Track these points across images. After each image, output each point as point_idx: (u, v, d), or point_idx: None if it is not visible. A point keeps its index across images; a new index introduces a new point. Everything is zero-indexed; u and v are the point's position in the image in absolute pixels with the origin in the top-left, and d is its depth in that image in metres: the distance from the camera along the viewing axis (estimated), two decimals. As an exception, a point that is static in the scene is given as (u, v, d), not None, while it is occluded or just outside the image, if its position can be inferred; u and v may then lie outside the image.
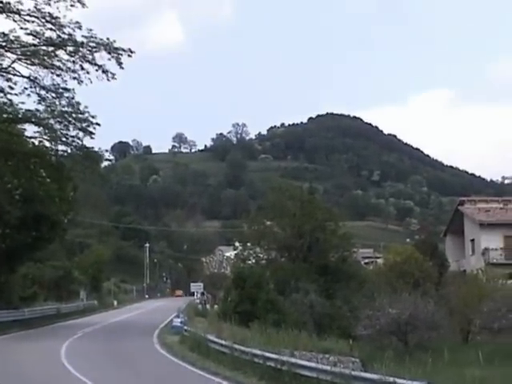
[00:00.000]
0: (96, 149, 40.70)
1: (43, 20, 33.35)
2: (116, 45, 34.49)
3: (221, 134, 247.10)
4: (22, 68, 34.96)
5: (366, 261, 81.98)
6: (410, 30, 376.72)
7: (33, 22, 33.35)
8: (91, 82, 35.29)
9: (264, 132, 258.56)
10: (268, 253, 53.18)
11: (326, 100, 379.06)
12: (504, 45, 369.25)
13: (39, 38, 34.16)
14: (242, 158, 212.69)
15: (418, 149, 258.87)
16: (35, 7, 32.94)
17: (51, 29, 33.74)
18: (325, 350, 24.20)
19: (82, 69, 34.90)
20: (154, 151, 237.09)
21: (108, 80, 35.09)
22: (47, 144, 38.62)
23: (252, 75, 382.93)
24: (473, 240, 56.36)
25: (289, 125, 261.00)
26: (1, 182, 38.51)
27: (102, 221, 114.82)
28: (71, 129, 36.53)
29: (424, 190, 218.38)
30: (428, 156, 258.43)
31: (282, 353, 18.86)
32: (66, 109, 36.20)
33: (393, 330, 32.38)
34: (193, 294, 65.09)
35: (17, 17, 33.26)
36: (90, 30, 34.25)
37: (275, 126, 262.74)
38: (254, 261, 52.11)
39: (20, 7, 33.07)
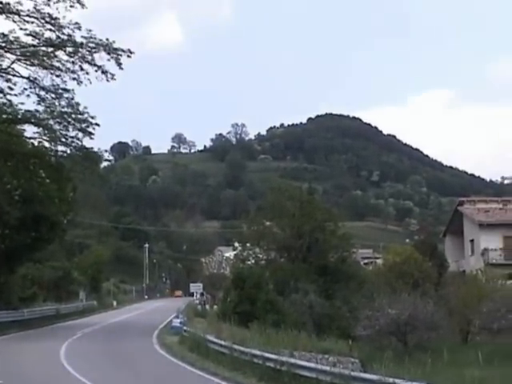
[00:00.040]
0: (95, 149, 40.85)
1: (43, 21, 33.36)
2: (115, 45, 34.56)
3: (220, 134, 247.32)
4: (21, 69, 35.03)
5: (366, 261, 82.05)
6: (409, 30, 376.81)
7: (32, 22, 33.37)
8: (91, 83, 35.38)
9: (263, 132, 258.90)
10: (267, 253, 53.19)
11: (326, 100, 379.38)
12: (504, 45, 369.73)
13: (39, 39, 34.17)
14: (242, 158, 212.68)
15: (417, 149, 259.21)
16: (35, 8, 32.98)
17: (51, 29, 33.76)
18: (324, 351, 24.23)
19: (82, 69, 34.95)
20: (153, 151, 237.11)
21: (107, 81, 35.16)
22: (47, 144, 38.68)
23: (251, 75, 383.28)
24: (472, 240, 56.39)
25: (288, 125, 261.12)
26: (0, 182, 38.49)
27: (101, 221, 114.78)
28: (71, 129, 36.58)
29: (423, 190, 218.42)
30: (427, 156, 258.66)
31: (282, 353, 18.86)
32: (65, 109, 36.23)
33: (392, 331, 32.42)
34: (192, 295, 65.09)
35: (16, 17, 33.27)
36: (90, 30, 34.32)
37: (274, 127, 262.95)
38: (253, 261, 52.12)
39: (19, 8, 33.12)
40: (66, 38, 34.10)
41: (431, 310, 32.20)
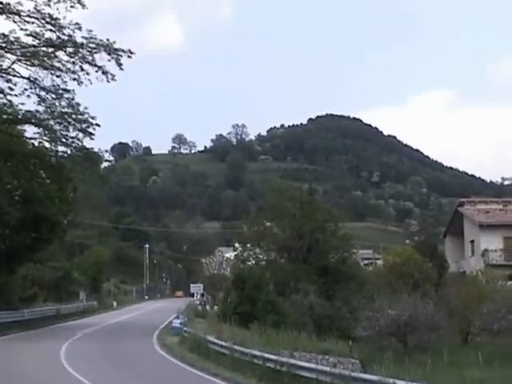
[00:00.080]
0: (96, 150, 40.78)
1: (43, 21, 33.34)
2: (116, 46, 34.52)
3: (220, 134, 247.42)
4: (21, 69, 35.00)
5: (366, 262, 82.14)
6: (410, 31, 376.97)
7: (33, 23, 33.35)
8: (91, 83, 35.33)
9: (264, 133, 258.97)
10: (268, 254, 53.19)
11: (326, 101, 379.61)
12: (504, 45, 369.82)
13: (39, 39, 34.16)
14: (242, 158, 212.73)
15: (417, 150, 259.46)
16: (35, 8, 32.96)
17: (51, 30, 33.73)
18: (324, 351, 24.26)
19: (82, 70, 34.91)
20: (153, 152, 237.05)
21: (108, 81, 35.12)
22: (47, 145, 38.65)
23: (252, 76, 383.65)
24: (472, 241, 56.40)
25: (288, 126, 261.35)
26: (0, 182, 38.45)
27: (101, 222, 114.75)
28: (71, 130, 36.54)
29: (424, 191, 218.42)
30: (428, 157, 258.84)
31: (282, 354, 18.87)
32: (65, 110, 36.20)
33: (392, 331, 32.43)
34: (192, 295, 65.06)
35: (17, 18, 33.26)
36: (90, 31, 34.28)
37: (275, 127, 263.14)
38: (253, 262, 52.11)
39: (20, 8, 33.09)
40: (66, 38, 34.09)
41: (431, 311, 32.21)
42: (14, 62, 34.65)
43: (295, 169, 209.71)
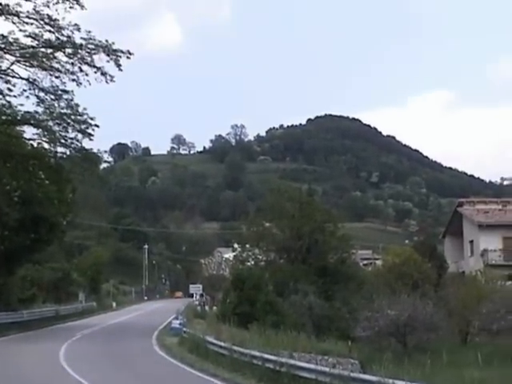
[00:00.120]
0: (95, 150, 40.59)
1: (42, 22, 33.30)
2: (115, 47, 34.48)
3: (219, 135, 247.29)
4: (20, 70, 34.96)
5: (365, 262, 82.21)
6: (409, 31, 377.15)
7: (32, 24, 33.30)
8: (90, 84, 35.31)
9: (263, 133, 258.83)
10: (267, 254, 53.19)
11: (325, 101, 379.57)
12: (504, 46, 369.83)
13: (38, 40, 34.11)
14: (241, 159, 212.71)
15: (416, 150, 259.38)
16: (34, 9, 32.90)
17: (50, 31, 33.69)
18: (324, 352, 24.28)
19: (81, 71, 34.84)
20: (152, 153, 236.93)
21: (107, 82, 35.05)
22: (46, 146, 38.54)
23: (251, 76, 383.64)
24: (472, 241, 56.43)
25: (288, 126, 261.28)
26: (-1, 183, 38.53)
27: (100, 222, 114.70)
28: (70, 130, 36.48)
29: (423, 191, 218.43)
30: (427, 157, 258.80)
31: (281, 354, 18.89)
32: (64, 111, 36.15)
33: (392, 332, 32.46)
34: (192, 296, 65.08)
35: (16, 19, 33.21)
36: (89, 31, 34.21)
37: (274, 128, 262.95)
38: (252, 262, 52.12)
39: (19, 9, 33.01)
40: (65, 39, 34.05)
41: (430, 311, 32.24)
42: (12, 63, 34.62)
43: (294, 169, 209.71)
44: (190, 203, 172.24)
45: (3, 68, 34.85)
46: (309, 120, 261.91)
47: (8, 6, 32.93)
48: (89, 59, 34.50)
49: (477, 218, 55.51)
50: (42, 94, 35.43)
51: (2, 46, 33.89)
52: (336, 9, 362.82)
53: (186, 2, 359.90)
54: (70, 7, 33.10)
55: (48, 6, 32.80)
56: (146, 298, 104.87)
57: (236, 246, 59.10)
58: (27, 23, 33.26)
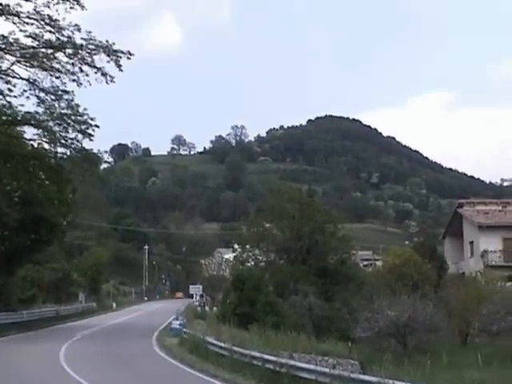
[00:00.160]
0: (95, 151, 40.61)
1: (42, 22, 33.30)
2: (115, 47, 34.48)
3: (220, 136, 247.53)
4: (21, 70, 34.95)
5: (365, 263, 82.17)
6: (409, 32, 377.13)
7: (32, 24, 33.30)
8: (90, 85, 35.31)
9: (263, 134, 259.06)
10: (267, 255, 53.18)
11: (325, 102, 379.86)
12: (504, 46, 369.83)
13: (38, 41, 34.11)
14: (241, 160, 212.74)
15: (416, 151, 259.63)
16: (34, 9, 32.91)
17: (50, 31, 33.69)
18: (324, 353, 24.30)
19: (81, 71, 34.83)
20: (153, 153, 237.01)
21: (107, 83, 35.06)
22: (46, 146, 38.55)
23: (251, 77, 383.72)
24: (472, 242, 56.42)
25: (288, 127, 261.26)
26: (0, 184, 38.48)
27: (101, 223, 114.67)
28: (70, 131, 36.48)
29: (423, 192, 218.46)
30: (427, 158, 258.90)
31: (281, 355, 18.90)
32: (65, 111, 36.15)
33: (392, 333, 32.45)
34: (192, 297, 65.08)
35: (16, 19, 33.21)
36: (89, 32, 34.21)
37: (274, 128, 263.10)
38: (253, 263, 52.11)
39: (19, 9, 33.02)
40: (65, 39, 34.05)
41: (430, 312, 32.24)
42: (13, 64, 34.62)
43: (294, 170, 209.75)
44: (190, 204, 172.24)
45: (3, 68, 34.88)
46: (309, 121, 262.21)
47: (8, 6, 32.96)
48: (89, 60, 34.53)
49: (477, 218, 55.51)
50: (42, 95, 35.49)
51: (3, 46, 33.89)
52: (336, 9, 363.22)
53: (185, 3, 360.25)
54: (71, 8, 33.14)
55: (48, 7, 32.84)
56: (146, 298, 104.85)
57: (236, 246, 59.09)
58: (28, 23, 33.27)
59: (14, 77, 34.86)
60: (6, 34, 33.40)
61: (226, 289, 43.58)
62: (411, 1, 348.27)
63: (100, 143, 44.25)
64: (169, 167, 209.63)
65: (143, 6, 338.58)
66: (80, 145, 37.15)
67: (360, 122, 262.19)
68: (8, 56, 34.42)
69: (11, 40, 33.66)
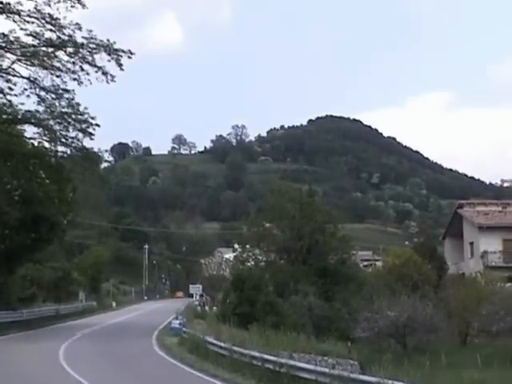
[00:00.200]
0: (95, 150, 40.68)
1: (43, 21, 33.30)
2: (116, 46, 34.47)
3: (220, 135, 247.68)
4: (21, 69, 34.94)
5: (365, 263, 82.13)
6: (409, 32, 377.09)
7: (33, 22, 33.30)
8: (91, 83, 35.31)
9: (264, 134, 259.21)
10: (267, 255, 53.14)
11: (326, 102, 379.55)
12: (504, 46, 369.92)
13: (39, 39, 34.11)
14: (242, 159, 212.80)
15: (417, 151, 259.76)
16: (35, 8, 32.90)
17: (51, 30, 33.68)
18: (323, 353, 24.29)
19: (82, 70, 34.83)
20: (153, 152, 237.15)
21: (107, 82, 35.05)
22: (47, 145, 38.61)
23: (252, 77, 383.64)
24: (472, 243, 56.40)
25: (288, 127, 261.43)
26: (0, 182, 38.47)
27: (101, 222, 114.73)
28: (71, 130, 36.49)
29: (423, 192, 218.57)
30: (427, 159, 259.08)
31: (281, 355, 18.89)
32: (65, 110, 36.15)
33: (391, 333, 32.46)
34: (191, 296, 65.08)
35: (17, 17, 33.21)
36: (90, 31, 34.21)
37: (275, 128, 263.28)
38: (253, 263, 52.06)
39: (20, 8, 33.03)
40: (66, 38, 34.04)
41: (430, 313, 32.25)
42: (13, 62, 34.63)
43: (295, 170, 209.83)
44: (190, 203, 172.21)
45: (4, 67, 34.89)
46: (309, 121, 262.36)
47: (9, 4, 32.95)
48: (90, 58, 34.52)
49: (477, 219, 55.49)
50: (42, 93, 35.49)
51: (3, 44, 33.89)
52: (336, 9, 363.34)
53: (186, 2, 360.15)
54: (72, 6, 33.12)
55: (49, 5, 32.83)
56: (145, 297, 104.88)
57: (236, 246, 59.04)
58: (28, 22, 33.28)
59: (14, 75, 34.88)
60: (6, 33, 33.45)
61: (225, 288, 43.54)
62: (411, 1, 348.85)
63: (100, 142, 44.39)
64: (169, 166, 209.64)
65: (144, 4, 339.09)
66: (80, 144, 37.20)
67: (360, 122, 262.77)
68: (8, 54, 34.45)
69: (12, 38, 33.67)
